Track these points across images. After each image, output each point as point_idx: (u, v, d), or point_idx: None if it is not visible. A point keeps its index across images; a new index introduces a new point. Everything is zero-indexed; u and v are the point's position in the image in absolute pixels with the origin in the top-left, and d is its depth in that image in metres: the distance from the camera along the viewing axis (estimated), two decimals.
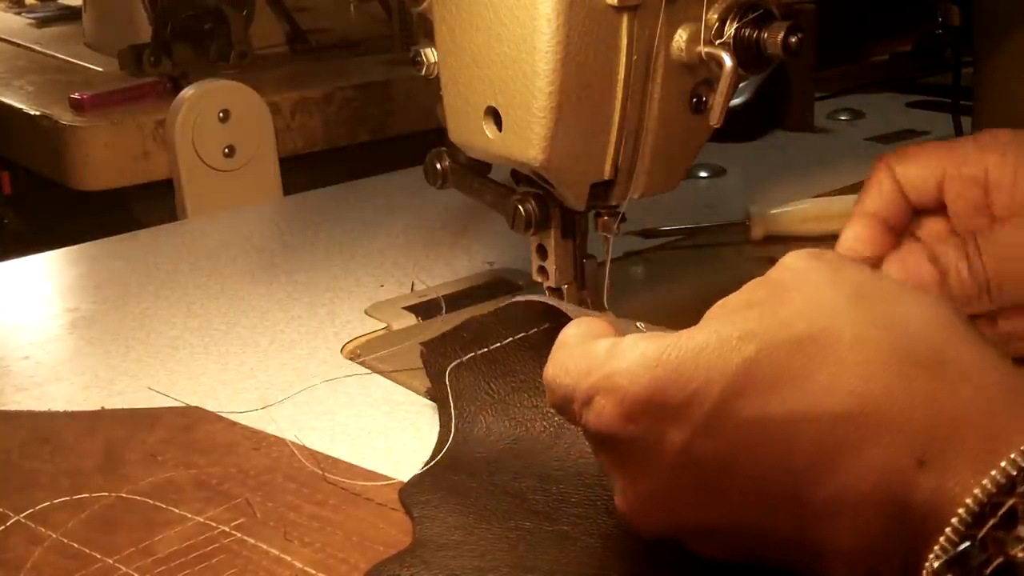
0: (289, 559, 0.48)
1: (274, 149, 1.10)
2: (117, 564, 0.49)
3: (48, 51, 1.52)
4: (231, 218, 0.99)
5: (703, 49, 0.57)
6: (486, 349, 0.58)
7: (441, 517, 0.49)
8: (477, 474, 0.52)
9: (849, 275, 0.41)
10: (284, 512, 0.52)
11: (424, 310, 0.75)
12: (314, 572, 0.47)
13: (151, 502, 0.53)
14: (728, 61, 0.56)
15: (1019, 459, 0.34)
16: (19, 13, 1.85)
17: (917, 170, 0.58)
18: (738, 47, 0.56)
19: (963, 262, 0.54)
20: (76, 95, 1.18)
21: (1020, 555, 0.34)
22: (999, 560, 0.34)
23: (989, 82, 0.88)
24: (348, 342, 0.71)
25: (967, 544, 0.34)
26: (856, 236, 0.58)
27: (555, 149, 0.56)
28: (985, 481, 0.34)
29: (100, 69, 1.38)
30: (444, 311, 0.74)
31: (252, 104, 1.07)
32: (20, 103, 1.24)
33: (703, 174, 1.02)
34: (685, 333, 0.40)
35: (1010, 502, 0.34)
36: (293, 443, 0.58)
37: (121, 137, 1.14)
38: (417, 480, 0.53)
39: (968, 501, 0.35)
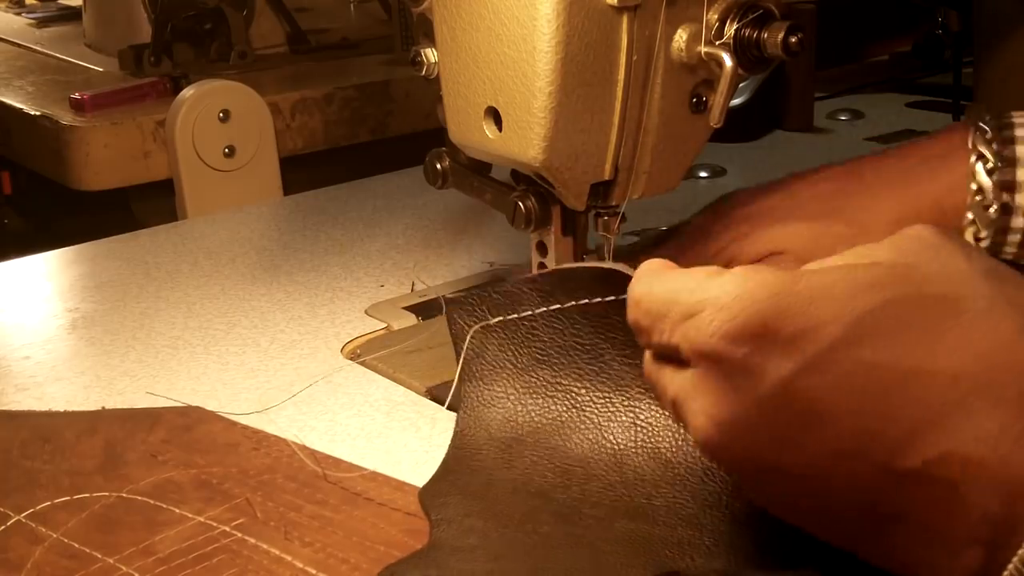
0: (289, 559, 0.48)
1: (274, 149, 1.10)
2: (117, 564, 0.49)
3: (48, 51, 1.52)
4: (231, 218, 0.99)
5: (703, 49, 0.57)
6: (515, 316, 0.55)
7: (458, 520, 0.48)
8: (495, 468, 0.51)
9: (980, 255, 0.41)
10: (284, 512, 0.52)
11: (424, 310, 0.75)
12: (314, 572, 0.47)
13: (151, 502, 0.53)
14: (728, 61, 0.56)
15: None
16: (19, 13, 1.85)
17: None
18: (738, 47, 0.56)
19: None
20: (76, 95, 1.18)
21: None
22: None
23: (989, 82, 0.88)
24: (348, 342, 0.71)
25: None
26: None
27: (555, 149, 0.56)
28: None
29: (100, 69, 1.38)
30: (444, 311, 0.74)
31: (252, 104, 1.08)
32: (20, 103, 1.24)
33: (703, 174, 1.02)
34: (813, 267, 0.39)
35: None
36: (293, 443, 0.58)
37: (121, 137, 1.14)
38: (436, 480, 0.52)
39: None
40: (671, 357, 0.42)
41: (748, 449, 0.39)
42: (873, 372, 0.37)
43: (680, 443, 0.49)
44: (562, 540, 0.46)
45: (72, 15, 1.73)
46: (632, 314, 0.44)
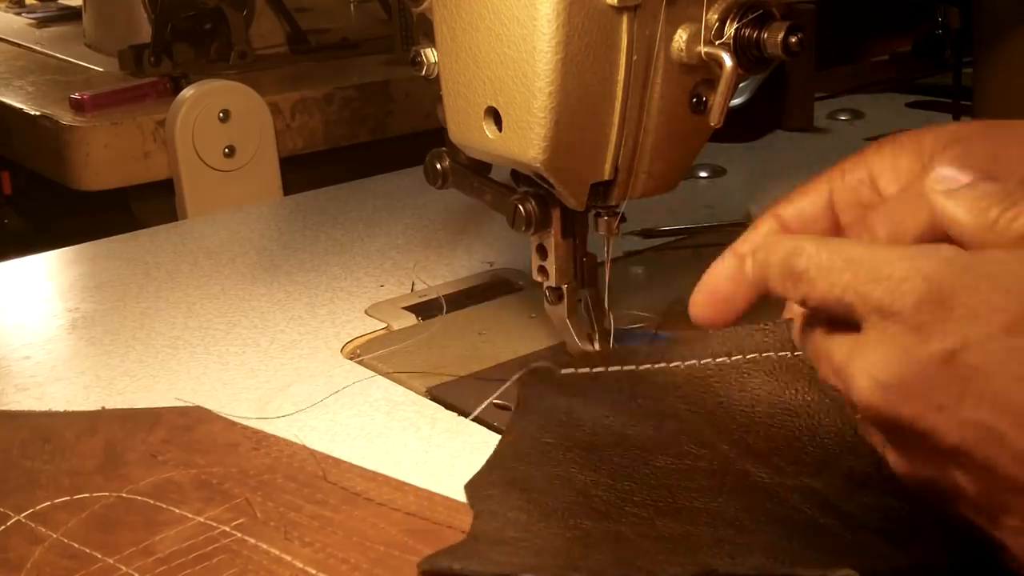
0: (289, 559, 0.48)
1: (274, 149, 1.10)
2: (117, 564, 0.49)
3: (48, 51, 1.52)
4: (231, 218, 0.99)
5: (703, 49, 0.57)
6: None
7: (502, 512, 0.48)
8: (541, 464, 0.51)
9: None
10: (284, 512, 0.52)
11: (424, 310, 0.75)
12: (314, 572, 0.47)
13: (151, 502, 0.53)
14: (728, 61, 0.56)
15: None
16: (19, 13, 1.85)
17: (800, 204, 0.56)
18: (738, 47, 0.56)
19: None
20: (76, 95, 1.18)
21: None
22: None
23: (989, 82, 0.88)
24: (348, 342, 0.71)
25: None
26: (721, 272, 0.56)
27: (555, 149, 0.56)
28: None
29: (100, 69, 1.38)
30: (444, 311, 0.74)
31: (252, 104, 1.08)
32: (20, 103, 1.24)
33: (703, 174, 1.02)
34: (997, 254, 0.41)
35: None
36: (293, 443, 0.58)
37: (121, 137, 1.14)
38: (483, 473, 0.52)
39: None
40: (831, 320, 0.44)
41: (906, 410, 0.41)
42: None
43: (726, 459, 0.49)
44: (602, 536, 0.46)
45: (72, 15, 1.73)
46: (802, 263, 0.45)
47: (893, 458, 0.44)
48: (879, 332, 0.42)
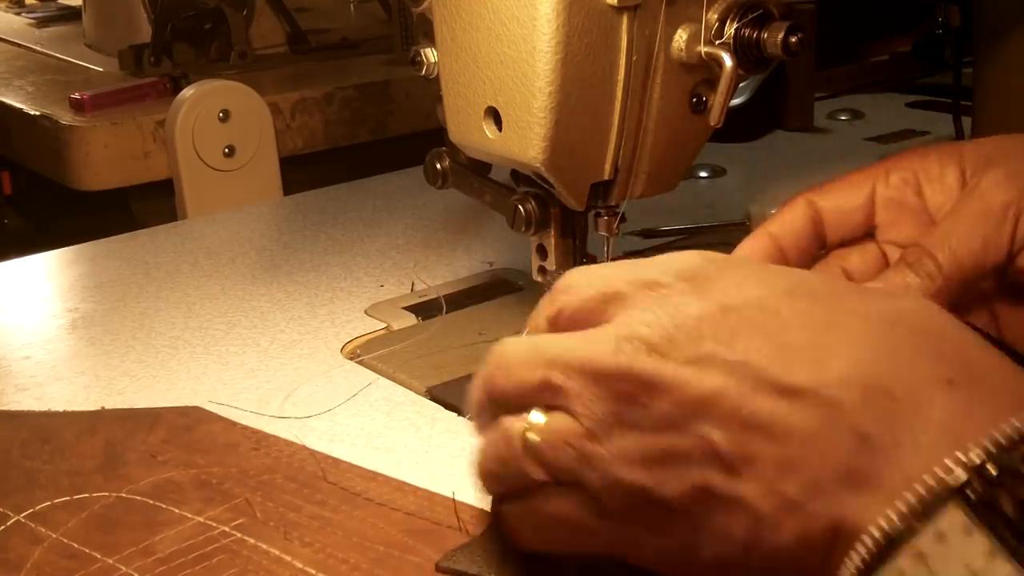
0: (289, 559, 0.48)
1: (274, 149, 1.10)
2: (117, 564, 0.49)
3: (48, 51, 1.52)
4: (231, 218, 0.99)
5: (703, 49, 0.57)
6: None
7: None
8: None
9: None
10: (284, 512, 0.52)
11: (424, 310, 0.75)
12: (314, 572, 0.47)
13: (151, 502, 0.53)
14: (728, 61, 0.56)
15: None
16: (19, 13, 1.85)
17: (839, 198, 0.56)
18: (738, 47, 0.56)
19: (908, 274, 0.51)
20: (76, 95, 1.18)
21: None
22: None
23: (989, 82, 0.88)
24: (348, 342, 0.71)
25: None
26: (750, 250, 0.56)
27: (555, 149, 0.56)
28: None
29: (100, 69, 1.38)
30: (444, 311, 0.74)
31: (252, 104, 1.08)
32: (20, 103, 1.24)
33: (703, 174, 1.02)
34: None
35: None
36: (293, 443, 0.58)
37: (121, 137, 1.14)
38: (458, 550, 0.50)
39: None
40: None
41: (665, 365, 0.40)
42: None
43: None
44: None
45: (72, 15, 1.73)
46: (567, 280, 0.45)
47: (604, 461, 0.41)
48: (644, 297, 0.41)
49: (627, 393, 0.39)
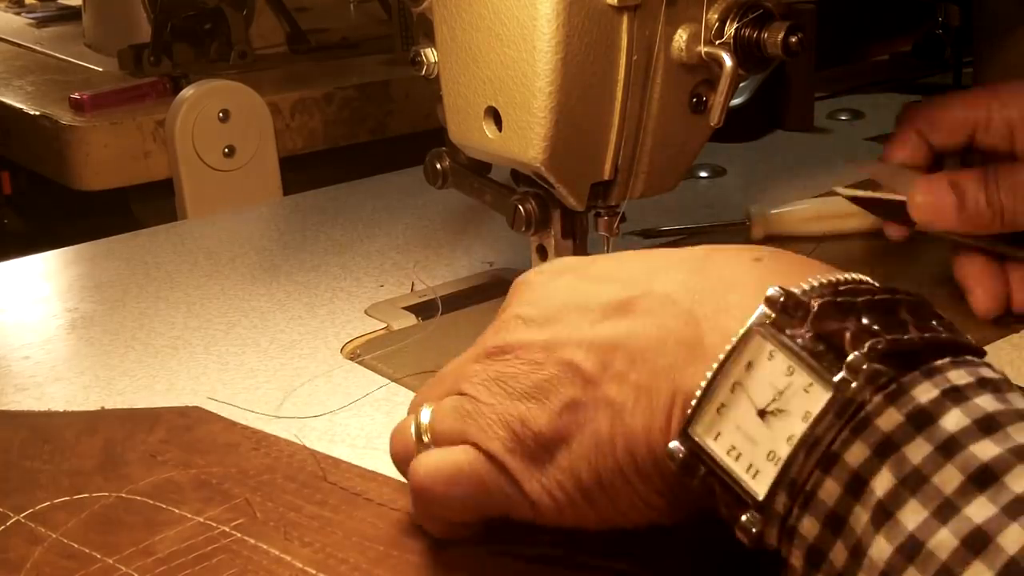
0: (289, 559, 0.48)
1: (274, 149, 1.10)
2: (117, 564, 0.49)
3: (48, 51, 1.52)
4: (231, 218, 0.99)
5: (703, 49, 0.57)
6: None
7: None
8: None
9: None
10: (284, 512, 0.52)
11: (424, 310, 0.75)
12: (314, 572, 0.47)
13: (151, 502, 0.53)
14: (728, 61, 0.56)
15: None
16: (19, 13, 1.85)
17: (946, 135, 0.67)
18: (738, 47, 0.56)
19: (981, 192, 0.62)
20: (76, 95, 1.17)
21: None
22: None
23: (989, 82, 0.88)
24: (348, 342, 0.71)
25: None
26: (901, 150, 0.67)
27: (555, 149, 0.56)
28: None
29: (100, 69, 1.38)
30: (440, 312, 0.74)
31: (252, 104, 1.07)
32: (20, 103, 1.24)
33: (703, 174, 1.02)
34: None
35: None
36: (293, 443, 0.58)
37: (121, 137, 1.13)
38: None
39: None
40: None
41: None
42: None
43: None
44: None
45: (72, 15, 1.73)
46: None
47: None
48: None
49: (502, 355, 0.45)
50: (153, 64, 1.30)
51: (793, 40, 0.56)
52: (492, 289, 0.79)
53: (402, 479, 0.54)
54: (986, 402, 0.35)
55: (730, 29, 0.56)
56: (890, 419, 0.35)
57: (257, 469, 0.56)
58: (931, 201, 0.64)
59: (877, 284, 0.40)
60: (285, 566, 0.48)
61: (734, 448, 0.38)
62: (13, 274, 0.88)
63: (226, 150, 1.06)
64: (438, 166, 0.68)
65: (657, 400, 0.41)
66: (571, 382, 0.43)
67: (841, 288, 0.39)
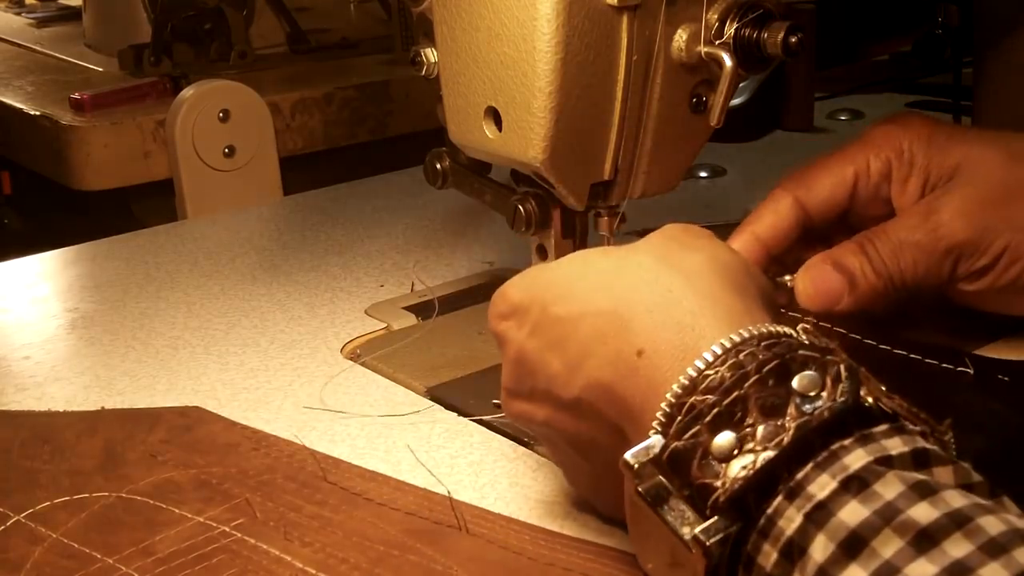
0: (289, 559, 0.48)
1: (274, 149, 1.10)
2: (117, 564, 0.49)
3: (48, 51, 1.52)
4: (231, 218, 0.99)
5: (703, 49, 0.57)
6: None
7: None
8: None
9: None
10: (284, 512, 0.52)
11: (424, 310, 0.75)
12: (314, 572, 0.47)
13: (151, 502, 0.53)
14: (728, 61, 0.56)
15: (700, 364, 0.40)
16: (19, 13, 1.85)
17: (825, 190, 0.63)
18: (738, 47, 0.56)
19: (867, 264, 0.59)
20: (76, 95, 1.17)
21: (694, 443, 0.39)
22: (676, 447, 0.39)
23: (989, 82, 0.88)
24: (348, 342, 0.71)
25: (655, 438, 0.40)
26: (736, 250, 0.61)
27: (555, 149, 0.56)
28: (676, 384, 0.40)
29: (100, 69, 1.38)
30: (437, 312, 0.74)
31: (252, 104, 1.07)
32: (20, 103, 1.24)
33: (703, 174, 1.02)
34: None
35: (691, 400, 0.39)
36: (293, 443, 0.58)
37: (121, 137, 1.13)
38: None
39: (668, 396, 0.40)
40: None
41: (521, 410, 0.48)
42: (558, 325, 0.46)
43: None
44: None
45: (72, 15, 1.73)
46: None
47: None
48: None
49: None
50: (153, 64, 1.30)
51: (793, 40, 0.56)
52: (492, 289, 0.79)
53: (402, 479, 0.54)
54: (851, 514, 0.35)
55: (730, 29, 0.56)
56: (767, 557, 0.36)
57: (257, 469, 0.56)
58: (820, 288, 0.59)
59: (764, 332, 0.41)
60: (285, 566, 0.48)
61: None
62: (13, 274, 0.88)
63: (226, 150, 1.06)
64: (438, 166, 0.68)
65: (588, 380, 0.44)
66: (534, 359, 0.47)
67: (696, 397, 0.39)
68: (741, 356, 0.40)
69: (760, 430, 0.37)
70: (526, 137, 0.56)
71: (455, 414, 0.62)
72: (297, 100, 1.22)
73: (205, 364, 0.69)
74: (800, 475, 0.36)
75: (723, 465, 0.37)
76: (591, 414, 0.45)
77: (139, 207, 1.17)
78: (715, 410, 0.38)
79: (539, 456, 0.57)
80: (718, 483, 0.37)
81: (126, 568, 0.48)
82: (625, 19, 0.56)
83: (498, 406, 0.61)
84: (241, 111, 1.06)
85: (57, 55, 1.49)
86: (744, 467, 0.37)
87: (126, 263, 0.88)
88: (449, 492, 0.52)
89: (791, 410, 0.37)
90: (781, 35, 0.56)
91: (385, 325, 0.73)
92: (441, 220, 0.93)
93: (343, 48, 1.45)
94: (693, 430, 0.39)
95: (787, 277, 0.61)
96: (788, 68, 1.11)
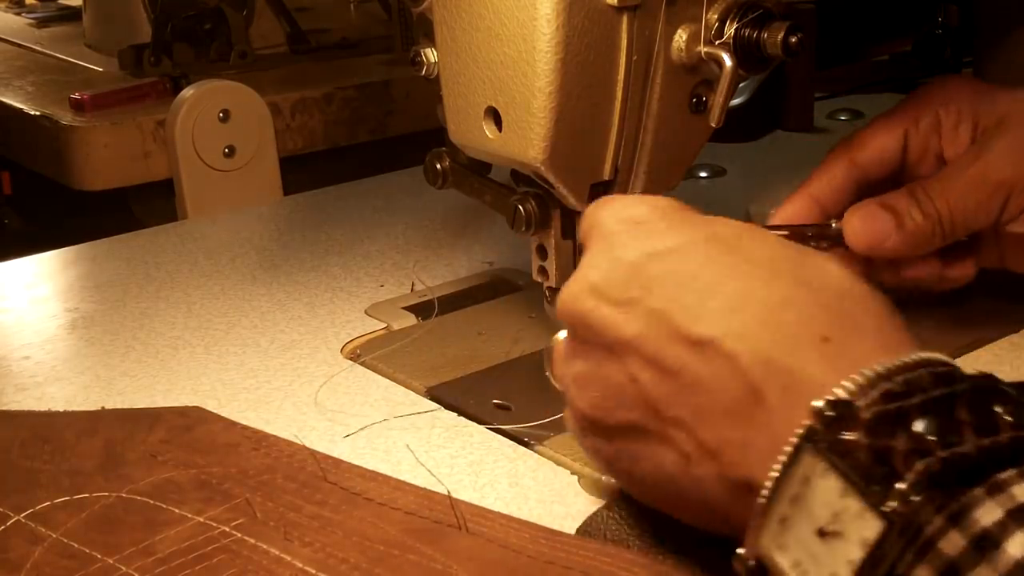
0: (289, 559, 0.48)
1: (274, 149, 1.10)
2: (117, 564, 0.49)
3: (48, 51, 1.52)
4: (231, 218, 0.99)
5: (703, 49, 0.57)
6: None
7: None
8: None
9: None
10: (284, 512, 0.52)
11: (424, 310, 0.75)
12: (314, 571, 0.47)
13: (151, 502, 0.53)
14: (728, 61, 0.56)
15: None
16: (19, 13, 1.85)
17: (877, 149, 0.64)
18: (738, 47, 0.56)
19: (914, 207, 0.60)
20: (76, 95, 1.17)
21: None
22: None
23: (989, 82, 0.88)
24: (348, 342, 0.71)
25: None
26: (793, 213, 0.64)
27: (555, 149, 0.56)
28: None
29: (100, 69, 1.38)
30: (437, 312, 0.74)
31: (252, 104, 1.07)
32: (20, 103, 1.24)
33: (703, 174, 1.02)
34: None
35: (903, 377, 0.38)
36: (293, 443, 0.58)
37: (121, 137, 1.13)
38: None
39: (873, 367, 0.38)
40: None
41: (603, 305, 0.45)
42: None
43: None
44: None
45: (72, 15, 1.73)
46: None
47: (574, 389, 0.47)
48: (598, 238, 0.47)
49: (577, 326, 0.46)
50: (153, 64, 1.30)
51: (793, 40, 0.56)
52: (492, 289, 0.79)
53: (402, 479, 0.54)
54: None
55: (730, 29, 0.56)
56: (953, 543, 0.34)
57: (257, 469, 0.56)
58: (868, 226, 0.60)
59: (938, 359, 0.39)
60: (285, 566, 0.48)
61: (799, 564, 0.37)
62: (13, 274, 0.88)
63: (226, 150, 1.06)
64: (438, 166, 0.68)
65: (727, 472, 0.41)
66: (638, 403, 0.43)
67: (894, 385, 0.37)
68: (934, 369, 0.38)
69: (968, 425, 0.36)
70: (526, 137, 0.56)
71: (455, 414, 0.62)
72: (297, 100, 1.21)
73: (205, 364, 0.69)
74: (1005, 475, 0.35)
75: (930, 438, 0.36)
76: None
77: (139, 207, 1.17)
78: (926, 395, 0.37)
79: (539, 456, 0.57)
80: (921, 460, 0.35)
81: (126, 568, 0.48)
82: (625, 19, 0.56)
83: (498, 406, 0.62)
84: (241, 111, 1.06)
85: (57, 55, 1.49)
86: (951, 450, 0.35)
87: (126, 263, 0.88)
88: (449, 492, 0.52)
89: (999, 420, 0.36)
90: (781, 35, 0.56)
91: (385, 325, 0.73)
92: (441, 220, 0.93)
93: (343, 48, 1.45)
94: (900, 403, 0.37)
95: (833, 221, 0.62)
96: (788, 68, 1.11)
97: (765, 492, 0.38)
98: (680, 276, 0.44)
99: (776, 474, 0.38)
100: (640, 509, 0.49)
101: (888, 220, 0.60)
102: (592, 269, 0.46)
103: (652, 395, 0.43)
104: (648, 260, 0.44)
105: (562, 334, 0.48)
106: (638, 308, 0.44)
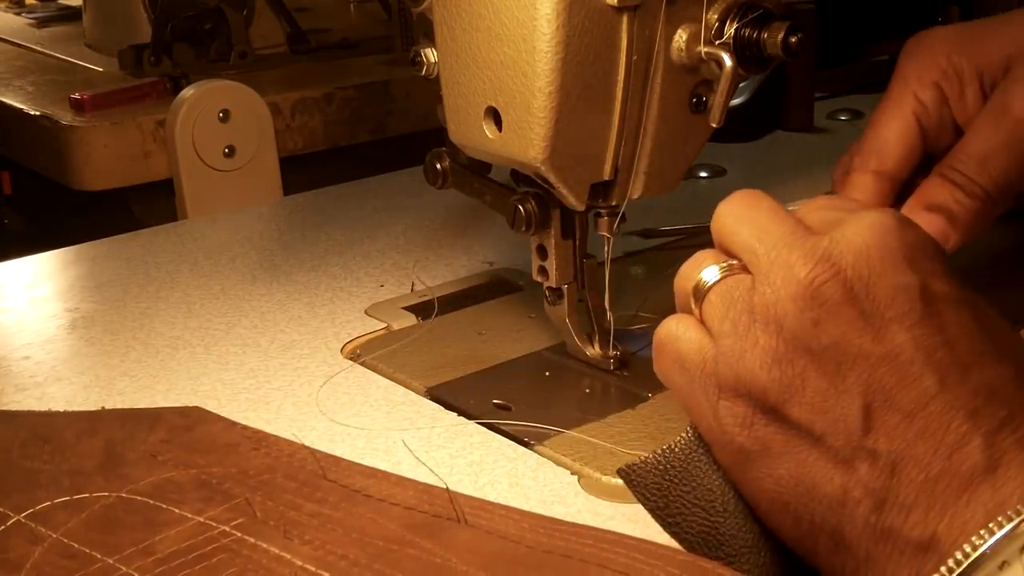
0: (289, 557, 0.48)
1: (274, 149, 1.10)
2: (117, 564, 0.49)
3: (48, 51, 1.52)
4: (231, 218, 0.99)
5: (703, 49, 0.57)
6: None
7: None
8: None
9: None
10: (284, 511, 0.52)
11: (424, 310, 0.75)
12: (314, 569, 0.47)
13: (151, 502, 0.53)
14: (728, 61, 0.56)
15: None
16: (19, 13, 1.85)
17: (898, 151, 0.61)
18: (738, 47, 0.56)
19: (958, 192, 0.57)
20: (76, 95, 1.17)
21: None
22: None
23: None
24: (348, 342, 0.71)
25: None
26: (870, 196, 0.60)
27: (555, 149, 0.56)
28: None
29: (100, 69, 1.38)
30: (437, 312, 0.74)
31: (252, 104, 1.07)
32: (20, 103, 1.24)
33: (703, 174, 1.02)
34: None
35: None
36: (293, 443, 0.58)
37: (121, 137, 1.13)
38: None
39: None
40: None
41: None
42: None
43: None
44: None
45: (72, 15, 1.73)
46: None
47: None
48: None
49: (816, 303, 0.42)
50: (153, 64, 1.30)
51: (793, 40, 0.56)
52: (492, 289, 0.79)
53: (402, 475, 0.54)
54: None
55: (730, 29, 0.56)
56: None
57: (257, 469, 0.56)
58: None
59: None
60: (285, 564, 0.48)
61: None
62: (13, 274, 0.88)
63: (226, 150, 1.06)
64: (438, 166, 0.68)
65: (885, 517, 0.40)
66: (842, 430, 0.41)
67: None
68: None
69: None
70: (526, 137, 0.56)
71: (455, 414, 0.62)
72: (297, 100, 1.22)
73: (205, 364, 0.69)
74: None
75: None
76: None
77: (139, 207, 1.17)
78: None
79: (539, 456, 0.57)
80: None
81: (126, 568, 0.48)
82: (625, 19, 0.56)
83: (498, 406, 0.62)
84: (241, 111, 1.06)
85: (57, 55, 1.49)
86: None
87: (126, 263, 0.88)
88: (447, 486, 0.52)
89: None
90: (781, 35, 0.56)
91: (385, 325, 0.73)
92: (441, 220, 0.93)
93: (343, 48, 1.45)
94: None
95: None
96: (788, 68, 1.11)
97: (956, 559, 0.37)
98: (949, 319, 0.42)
99: (983, 543, 0.36)
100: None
101: (939, 222, 0.57)
102: (848, 256, 0.43)
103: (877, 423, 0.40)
104: (921, 293, 0.42)
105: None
106: (900, 328, 0.41)
